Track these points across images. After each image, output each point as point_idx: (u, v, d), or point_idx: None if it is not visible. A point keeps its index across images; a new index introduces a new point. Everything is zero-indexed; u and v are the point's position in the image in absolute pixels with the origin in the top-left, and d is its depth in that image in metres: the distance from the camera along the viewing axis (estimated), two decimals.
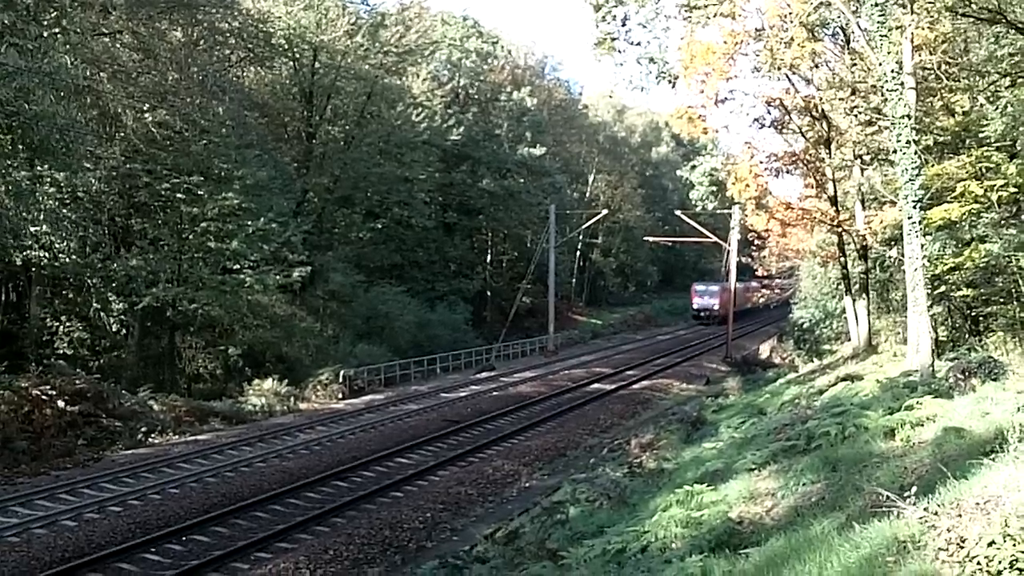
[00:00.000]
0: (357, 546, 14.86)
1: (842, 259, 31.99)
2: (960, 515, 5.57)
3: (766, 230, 36.34)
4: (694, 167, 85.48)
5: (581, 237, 71.55)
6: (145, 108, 28.79)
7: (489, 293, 62.81)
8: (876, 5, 17.76)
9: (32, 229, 25.90)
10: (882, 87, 18.79)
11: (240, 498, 17.20)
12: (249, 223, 31.03)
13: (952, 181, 20.63)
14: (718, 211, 58.11)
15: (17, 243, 25.71)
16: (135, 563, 13.58)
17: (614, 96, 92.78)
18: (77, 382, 23.04)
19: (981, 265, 20.95)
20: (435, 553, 14.40)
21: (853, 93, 27.46)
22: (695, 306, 78.20)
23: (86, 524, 15.34)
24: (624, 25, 26.62)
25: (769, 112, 31.79)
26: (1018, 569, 5.06)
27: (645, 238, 73.02)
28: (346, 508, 17.00)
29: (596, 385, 35.87)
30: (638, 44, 26.79)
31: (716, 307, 73.32)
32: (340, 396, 31.41)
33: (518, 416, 28.10)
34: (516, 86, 67.33)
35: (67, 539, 14.43)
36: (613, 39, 26.69)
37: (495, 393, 32.98)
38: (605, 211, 64.75)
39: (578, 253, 76.17)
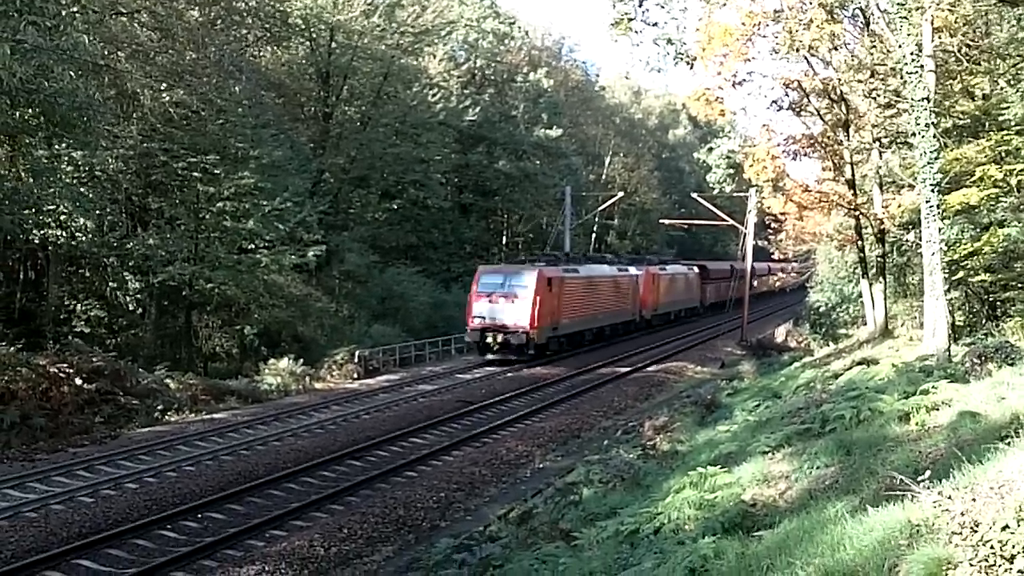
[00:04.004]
0: (371, 525, 14.95)
1: (859, 243, 31.81)
2: (974, 499, 5.55)
3: (783, 213, 36.16)
4: (711, 149, 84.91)
5: (597, 219, 71.32)
6: (162, 87, 28.88)
7: None
8: None
9: (50, 208, 26.06)
10: (901, 69, 18.64)
11: (255, 476, 17.31)
12: (265, 203, 31.08)
13: (971, 165, 20.53)
14: (735, 194, 57.02)
15: (36, 221, 25.87)
16: (151, 539, 13.70)
17: (631, 78, 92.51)
18: (94, 360, 23.18)
19: (999, 250, 20.87)
20: (449, 532, 14.47)
21: (872, 75, 27.26)
22: (474, 322, 35.67)
23: (103, 500, 15.46)
24: (641, 5, 26.36)
25: (787, 94, 31.53)
26: None
27: (661, 221, 72.79)
28: (360, 487, 17.09)
29: (610, 367, 35.84)
30: (655, 25, 26.45)
31: (522, 325, 34.73)
32: (355, 376, 31.48)
33: (532, 397, 28.13)
34: (533, 67, 67.11)
35: (84, 515, 14.56)
36: (630, 19, 26.44)
37: (509, 374, 33.00)
38: (621, 193, 64.44)
39: (594, 235, 75.95)
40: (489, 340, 35.11)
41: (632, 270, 48.90)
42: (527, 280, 35.11)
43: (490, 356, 35.36)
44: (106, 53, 25.80)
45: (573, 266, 40.76)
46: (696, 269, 64.28)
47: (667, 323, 56.48)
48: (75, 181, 26.99)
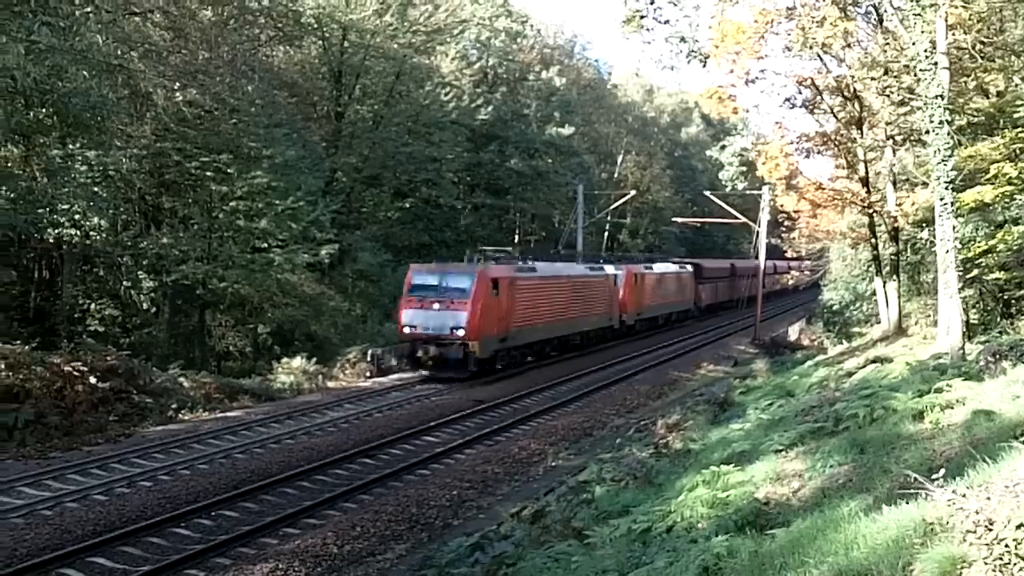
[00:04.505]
0: (384, 522, 14.98)
1: (873, 241, 31.74)
2: (989, 498, 5.54)
3: (796, 211, 36.09)
4: (724, 147, 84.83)
5: (609, 217, 71.32)
6: (175, 87, 28.97)
7: None
8: None
9: (64, 207, 26.19)
10: (915, 67, 18.57)
11: (269, 474, 17.35)
12: (278, 202, 31.16)
13: (985, 163, 20.44)
14: (747, 192, 56.72)
15: (51, 220, 26.00)
16: (165, 537, 13.75)
17: (643, 76, 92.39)
18: (108, 359, 23.25)
19: (1014, 248, 20.77)
20: (462, 531, 14.49)
21: (886, 73, 27.16)
22: (404, 331, 30.51)
23: (117, 498, 15.52)
24: (653, 2, 26.37)
25: (800, 92, 31.49)
26: None
27: (673, 219, 72.73)
28: (373, 485, 17.12)
29: (622, 365, 35.79)
30: (667, 22, 26.45)
31: (460, 335, 29.14)
32: (368, 375, 31.50)
33: (544, 396, 28.13)
34: (545, 66, 67.08)
35: (98, 513, 14.62)
36: (642, 16, 26.43)
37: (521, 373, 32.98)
38: (633, 191, 64.41)
39: (606, 234, 75.93)
40: (420, 354, 29.44)
41: (609, 269, 43.70)
42: (466, 281, 29.40)
43: (424, 372, 29.99)
44: (119, 53, 25.90)
45: (530, 264, 35.18)
46: (689, 268, 58.90)
47: (654, 328, 51.00)
48: (89, 180, 27.11)
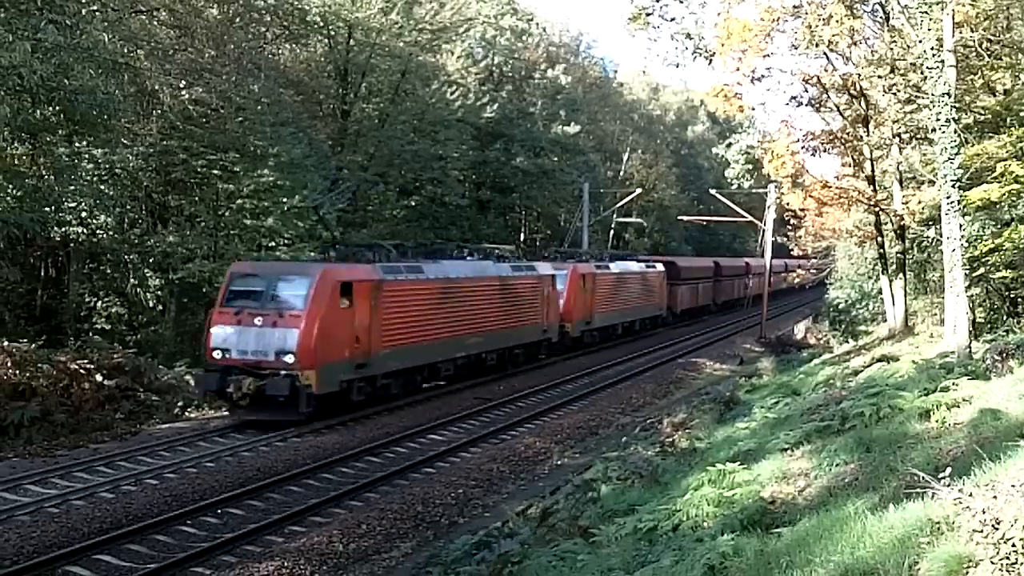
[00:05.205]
0: (390, 520, 14.97)
1: (879, 239, 31.68)
2: (995, 497, 5.54)
3: (802, 209, 36.01)
4: (729, 144, 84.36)
5: (615, 216, 71.28)
6: (182, 85, 29.04)
7: None
8: None
9: (71, 205, 26.26)
10: (922, 65, 18.58)
11: (275, 472, 17.35)
12: (284, 200, 31.20)
13: (992, 161, 20.41)
14: (753, 190, 56.28)
15: (57, 218, 26.08)
16: (171, 535, 13.77)
17: (648, 74, 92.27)
18: (115, 357, 23.30)
19: (1021, 246, 20.72)
20: (467, 529, 14.50)
21: (892, 71, 27.13)
22: (213, 355, 21.45)
23: (123, 496, 15.52)
24: (659, 0, 26.41)
25: (806, 90, 31.44)
26: None
27: (679, 217, 72.55)
28: (379, 483, 17.13)
29: (628, 363, 35.76)
30: (673, 20, 26.49)
31: (289, 353, 20.58)
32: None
33: (550, 394, 28.09)
34: (551, 64, 66.99)
35: (105, 510, 14.62)
36: (648, 14, 26.46)
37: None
38: (639, 190, 64.32)
39: (611, 232, 75.86)
40: (232, 389, 20.52)
41: (543, 269, 34.54)
42: (302, 286, 21.32)
43: (241, 415, 21.13)
44: (126, 51, 25.98)
45: (411, 262, 25.96)
46: (659, 267, 50.20)
47: (612, 340, 42.43)
48: (95, 178, 27.17)
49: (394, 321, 23.77)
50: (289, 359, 20.54)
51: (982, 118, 24.41)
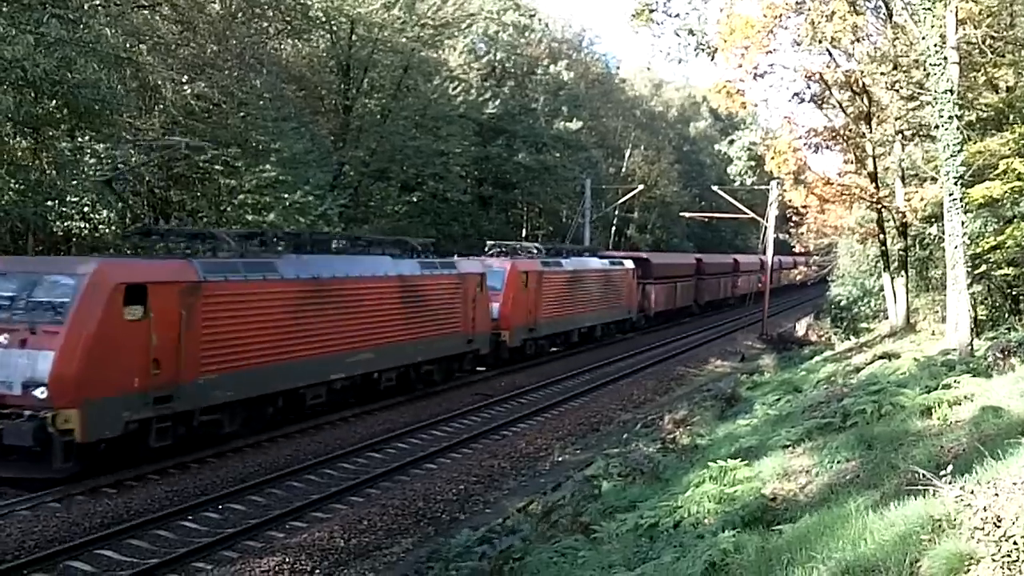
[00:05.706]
0: (391, 516, 15.00)
1: (881, 236, 31.67)
2: (997, 494, 5.54)
3: (804, 206, 36.00)
4: (732, 141, 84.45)
5: (617, 212, 71.23)
6: (184, 80, 28.98)
7: None
8: None
9: (73, 199, 26.26)
10: (924, 61, 18.56)
11: (276, 468, 17.38)
12: (286, 195, 31.17)
13: (994, 158, 20.41)
14: (756, 187, 56.06)
15: (60, 212, 26.08)
16: (173, 530, 13.80)
17: (651, 70, 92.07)
18: None
19: (1023, 244, 20.71)
20: (468, 525, 14.51)
21: (895, 68, 27.10)
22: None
23: (125, 491, 15.53)
24: None
25: (809, 87, 31.45)
26: None
27: (681, 214, 72.49)
28: (380, 479, 17.16)
29: (629, 360, 35.76)
30: (676, 16, 26.48)
31: (39, 385, 14.53)
32: None
33: (551, 391, 28.11)
34: (553, 60, 66.94)
35: (106, 506, 14.64)
36: (651, 10, 26.45)
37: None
38: (641, 186, 64.30)
39: (613, 228, 75.82)
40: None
41: (467, 266, 29.07)
42: (67, 290, 15.56)
43: None
44: (128, 46, 25.94)
45: (255, 260, 19.72)
46: (628, 264, 44.18)
47: (567, 350, 37.50)
48: (97, 173, 27.16)
49: (223, 336, 17.98)
50: (41, 393, 14.66)
51: (985, 115, 24.39)
